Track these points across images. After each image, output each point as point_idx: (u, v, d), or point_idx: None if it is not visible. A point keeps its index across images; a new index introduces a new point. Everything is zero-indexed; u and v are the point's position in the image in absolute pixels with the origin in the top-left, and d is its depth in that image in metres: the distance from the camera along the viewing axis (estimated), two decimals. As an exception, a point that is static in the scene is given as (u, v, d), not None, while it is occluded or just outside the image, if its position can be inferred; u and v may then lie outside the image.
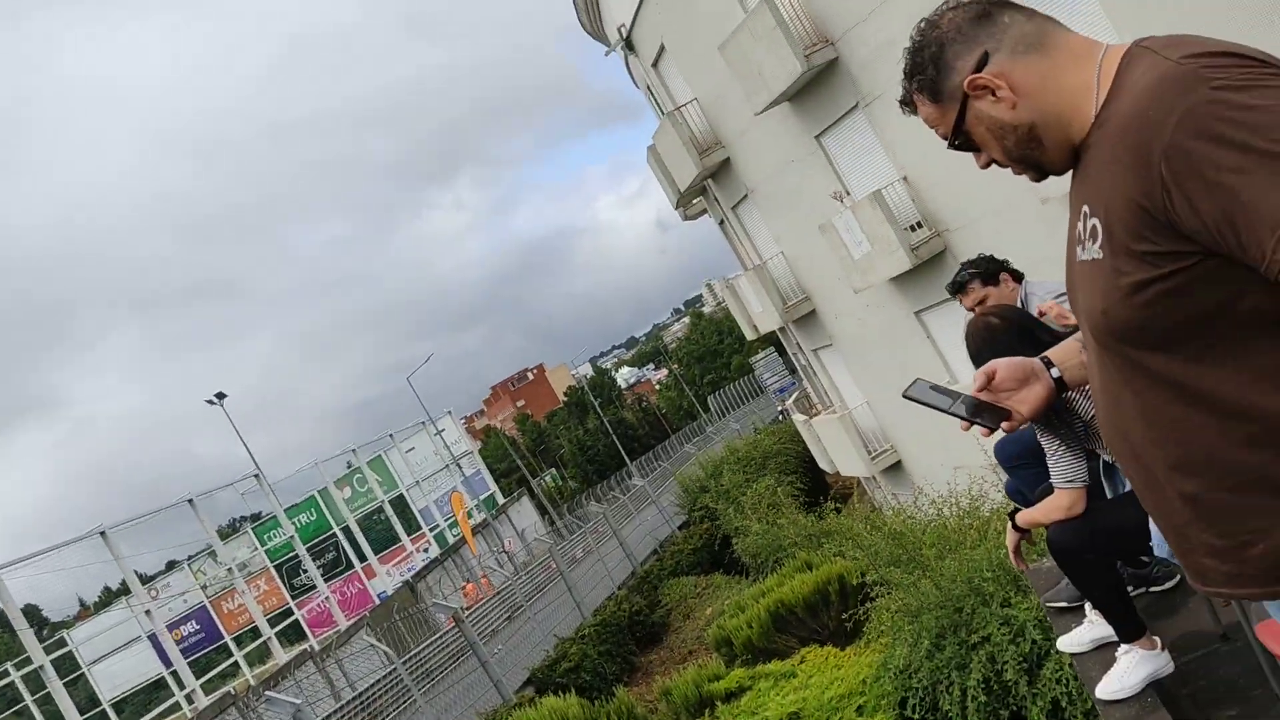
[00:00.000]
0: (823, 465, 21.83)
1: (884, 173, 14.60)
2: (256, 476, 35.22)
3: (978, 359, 3.16)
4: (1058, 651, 5.87)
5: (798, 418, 22.50)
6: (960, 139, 1.62)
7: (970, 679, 6.29)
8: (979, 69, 1.53)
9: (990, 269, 4.36)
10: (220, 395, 39.97)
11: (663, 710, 10.28)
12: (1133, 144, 1.35)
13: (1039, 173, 1.59)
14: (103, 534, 26.41)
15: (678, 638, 15.56)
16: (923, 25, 1.61)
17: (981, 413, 1.88)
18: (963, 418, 1.89)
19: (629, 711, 9.52)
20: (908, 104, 1.67)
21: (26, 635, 24.99)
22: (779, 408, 39.96)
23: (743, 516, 18.22)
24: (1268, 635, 2.24)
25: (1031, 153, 1.56)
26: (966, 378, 14.61)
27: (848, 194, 15.15)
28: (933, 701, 6.82)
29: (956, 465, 13.19)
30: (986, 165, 1.65)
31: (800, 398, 25.56)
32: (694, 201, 22.76)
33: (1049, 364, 1.93)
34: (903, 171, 14.30)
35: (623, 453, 64.53)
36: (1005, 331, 3.11)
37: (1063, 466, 3.00)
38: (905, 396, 1.96)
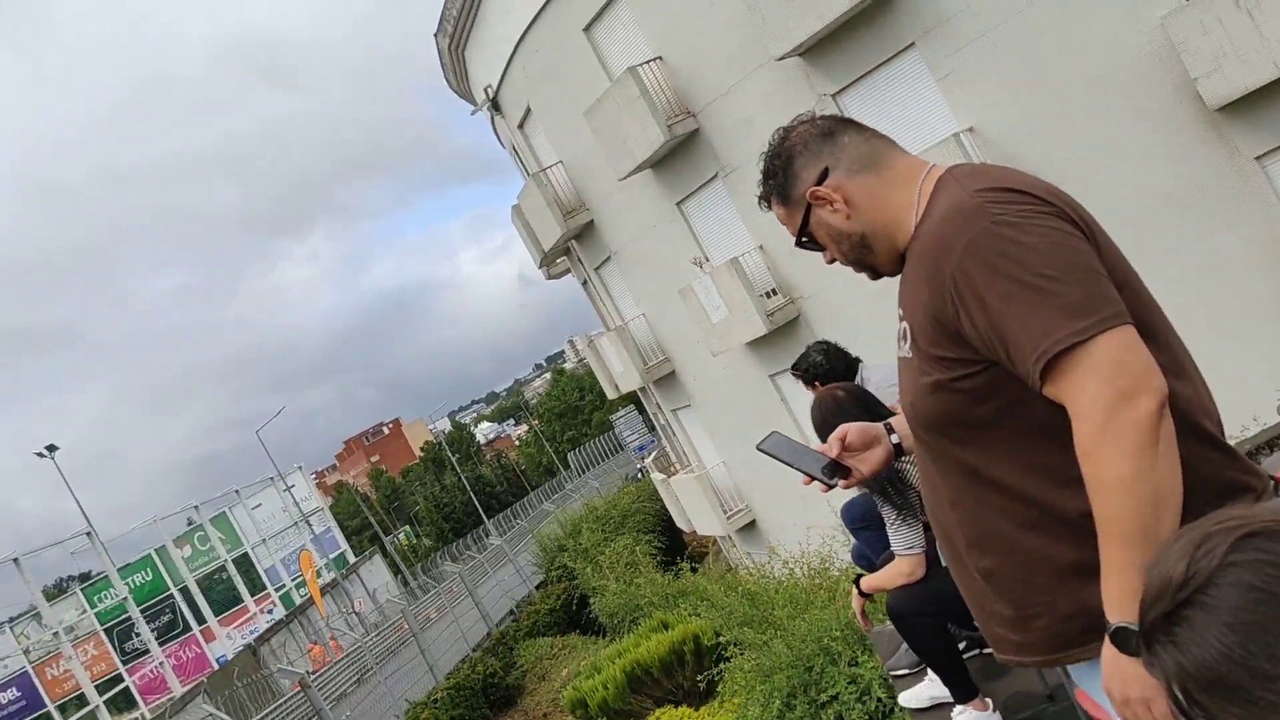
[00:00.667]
0: (680, 524, 22.05)
1: (741, 241, 15.09)
2: (88, 534, 33.23)
3: (823, 429, 3.37)
4: (901, 709, 6.12)
5: (656, 476, 22.72)
6: (806, 239, 1.81)
7: (819, 737, 6.44)
8: (820, 182, 1.74)
9: (809, 376, 4.55)
10: (51, 448, 37.67)
11: (518, 775, 10.13)
12: (930, 263, 1.58)
13: (873, 273, 1.81)
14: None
15: (533, 700, 15.36)
16: (778, 135, 1.82)
17: (827, 469, 2.02)
18: (806, 472, 2.05)
19: (482, 778, 9.35)
20: (764, 201, 1.85)
21: None
22: (638, 465, 40.21)
23: (600, 576, 18.20)
24: (1083, 701, 2.44)
25: (864, 257, 1.79)
26: (817, 438, 15.09)
27: (707, 260, 15.58)
28: (786, 761, 6.94)
29: (809, 525, 13.59)
30: (830, 262, 1.87)
31: (659, 456, 25.82)
32: (558, 261, 22.93)
33: (890, 430, 2.12)
34: (759, 240, 14.83)
35: (480, 510, 63.50)
36: (850, 404, 3.33)
37: (902, 535, 3.21)
38: (759, 449, 2.11)
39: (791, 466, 2.09)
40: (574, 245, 20.19)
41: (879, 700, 6.18)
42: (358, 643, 22.23)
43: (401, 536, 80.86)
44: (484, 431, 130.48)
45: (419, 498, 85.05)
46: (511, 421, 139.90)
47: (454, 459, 73.63)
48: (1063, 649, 1.63)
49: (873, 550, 4.32)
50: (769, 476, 16.19)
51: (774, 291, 14.75)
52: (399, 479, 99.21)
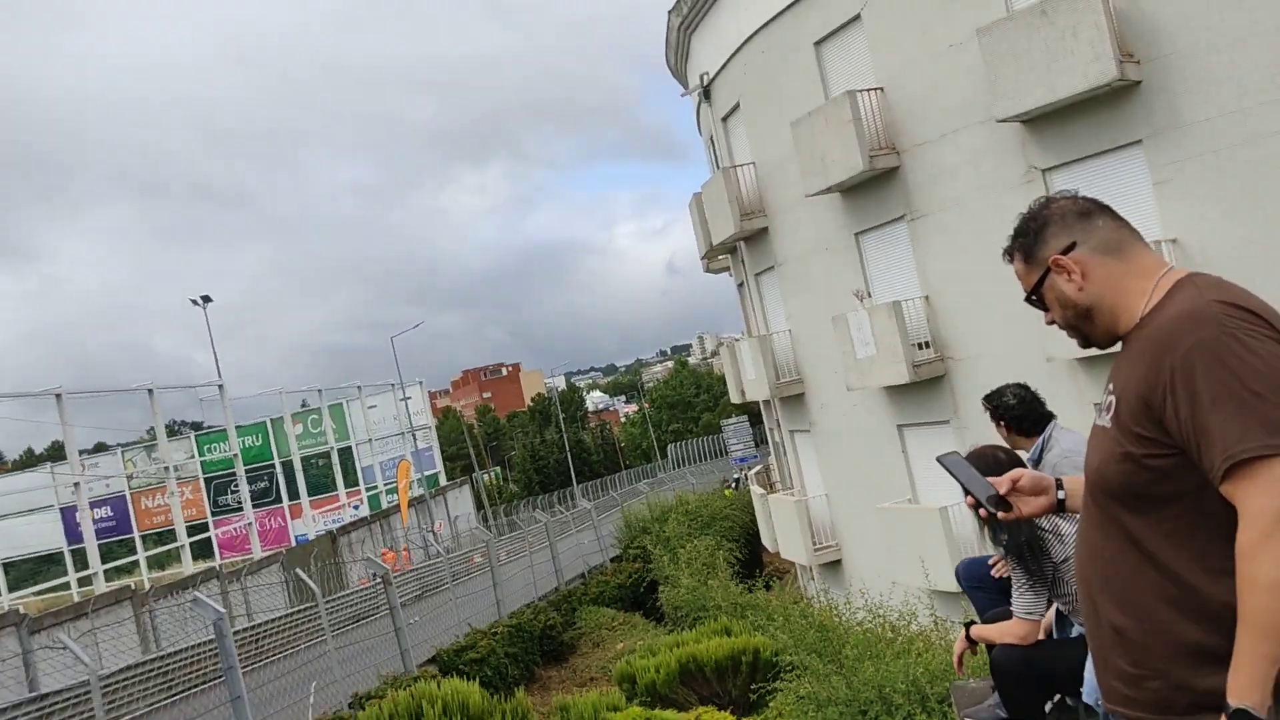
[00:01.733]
0: (765, 542, 22.11)
1: (908, 287, 15.04)
2: (220, 387, 35.13)
3: (969, 480, 3.50)
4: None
5: (756, 490, 22.82)
6: (1035, 297, 2.04)
7: (858, 778, 6.53)
8: (1065, 252, 1.95)
9: (997, 413, 4.53)
10: (206, 298, 39.96)
11: (555, 724, 10.47)
12: (1155, 351, 1.79)
13: (1084, 341, 2.04)
14: (57, 396, 26.33)
15: (583, 662, 15.72)
16: (1041, 200, 2.05)
17: (993, 499, 2.24)
18: (975, 495, 2.26)
19: (525, 714, 9.72)
20: (1008, 254, 2.08)
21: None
22: (735, 475, 40.26)
23: (676, 567, 18.43)
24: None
25: (1081, 326, 2.02)
26: (926, 498, 14.98)
27: (869, 295, 15.58)
28: (816, 791, 7.06)
29: (895, 580, 13.54)
30: (1050, 323, 2.10)
31: (761, 471, 25.89)
32: (720, 257, 23.18)
33: (1060, 485, 2.31)
34: (926, 291, 14.75)
35: (572, 471, 64.56)
36: (1009, 465, 3.47)
37: (1027, 600, 3.36)
38: (939, 459, 2.33)
39: (962, 485, 2.30)
40: (742, 246, 20.39)
41: (924, 760, 6.26)
42: (431, 560, 23.05)
43: (492, 475, 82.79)
44: (594, 400, 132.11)
45: (518, 444, 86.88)
46: (623, 398, 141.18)
47: (560, 416, 74.92)
48: (1166, 713, 1.80)
49: (980, 610, 4.42)
50: (869, 522, 16.14)
51: (927, 344, 14.67)
52: (504, 421, 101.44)
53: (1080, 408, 10.46)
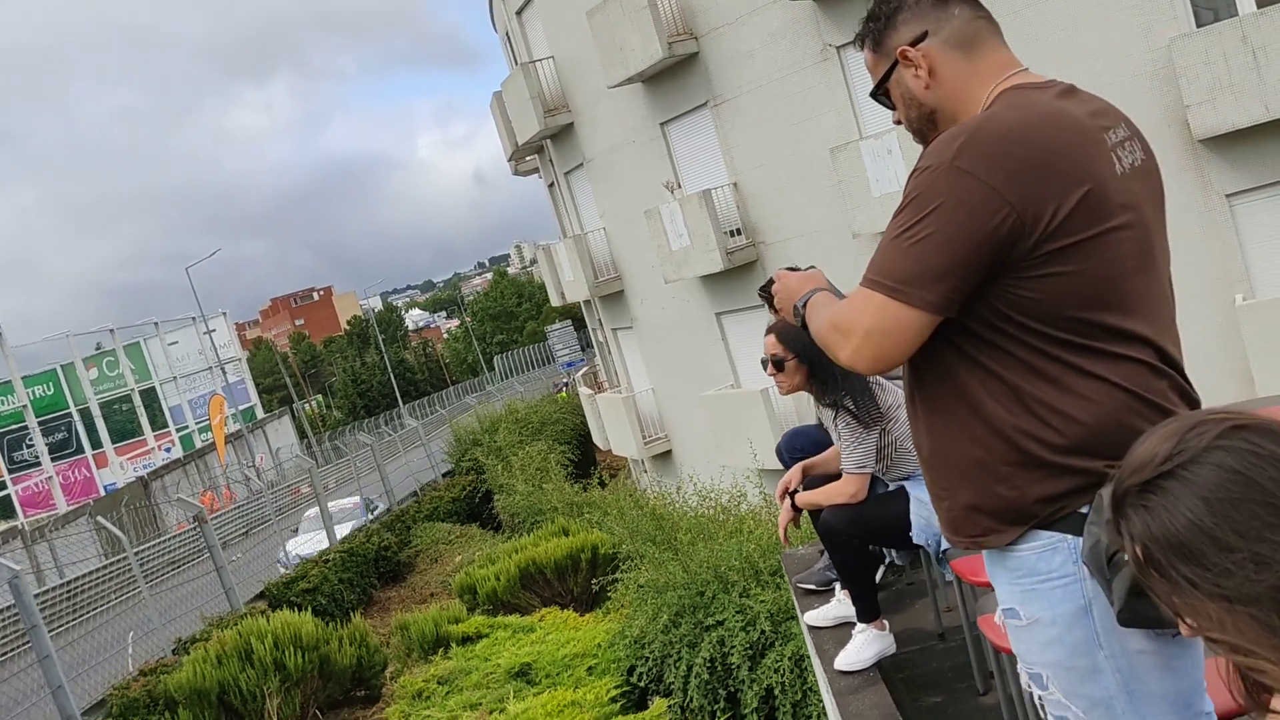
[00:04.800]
0: (598, 441, 22.27)
1: (718, 174, 15.07)
2: (-4, 335, 32.26)
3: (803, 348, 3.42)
4: (782, 643, 6.35)
5: (583, 391, 22.86)
6: (881, 93, 1.86)
7: (698, 656, 6.65)
8: (914, 43, 1.76)
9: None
10: (-31, 240, 36.41)
11: (397, 643, 10.29)
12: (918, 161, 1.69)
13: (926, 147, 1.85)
14: None
15: (421, 579, 15.53)
16: None
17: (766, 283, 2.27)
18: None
19: (363, 638, 9.49)
20: (859, 40, 1.88)
21: None
22: (564, 380, 40.31)
23: (510, 475, 18.35)
24: (988, 627, 2.59)
25: (924, 130, 1.83)
26: (749, 382, 15.32)
27: (679, 186, 15.53)
28: (659, 673, 7.17)
29: (724, 464, 13.85)
30: (897, 123, 1.89)
31: (588, 373, 25.95)
32: (528, 158, 22.64)
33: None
34: (734, 178, 14.82)
35: (397, 392, 63.21)
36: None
37: (858, 454, 3.33)
38: (760, 292, 2.28)
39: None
40: (549, 145, 19.94)
41: (763, 633, 6.41)
42: (254, 496, 22.16)
43: (313, 404, 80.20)
44: (414, 318, 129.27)
45: (337, 370, 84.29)
46: (444, 314, 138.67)
47: (380, 338, 72.94)
48: (960, 535, 1.75)
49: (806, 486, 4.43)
50: (695, 411, 16.41)
51: (738, 231, 14.79)
52: (320, 347, 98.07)
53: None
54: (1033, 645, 1.68)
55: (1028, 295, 1.59)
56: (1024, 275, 1.59)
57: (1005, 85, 1.73)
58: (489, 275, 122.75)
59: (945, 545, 3.24)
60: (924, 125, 1.82)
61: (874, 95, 1.88)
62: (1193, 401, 1.69)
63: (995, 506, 1.66)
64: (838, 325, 1.71)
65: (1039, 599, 1.64)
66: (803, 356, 3.39)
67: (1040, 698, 1.72)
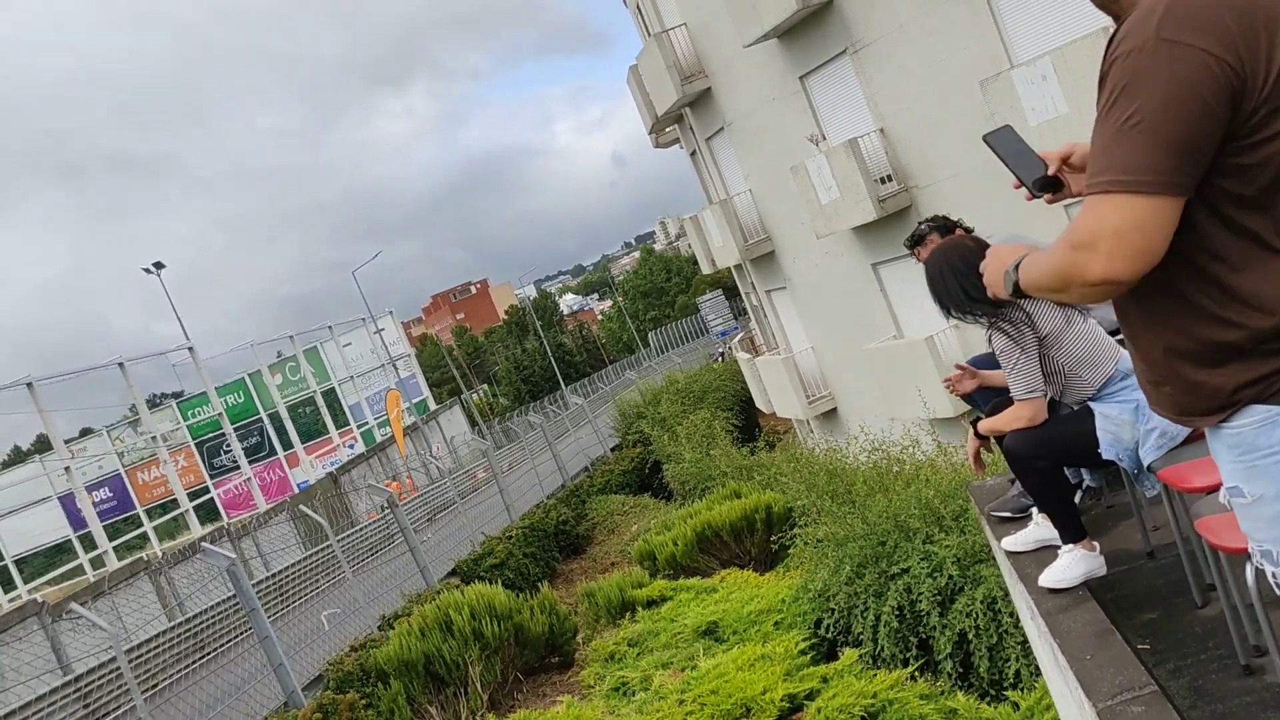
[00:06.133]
0: (760, 405, 22.22)
1: (862, 123, 14.73)
2: (190, 349, 34.65)
3: (960, 278, 3.35)
4: (972, 587, 6.22)
5: (742, 355, 22.83)
6: None
7: (885, 606, 6.58)
8: None
9: (948, 225, 4.46)
10: (158, 265, 39.15)
11: (584, 610, 10.58)
12: (1110, 48, 1.63)
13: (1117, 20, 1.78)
14: (29, 385, 25.89)
15: (600, 550, 15.89)
16: None
17: (1039, 182, 2.03)
18: (1019, 176, 2.04)
19: (552, 607, 9.80)
20: None
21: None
22: (719, 349, 40.34)
23: (677, 444, 18.51)
24: (1206, 529, 2.49)
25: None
26: (912, 331, 14.97)
27: (824, 139, 15.27)
28: (846, 624, 7.12)
29: (893, 416, 13.61)
30: None
31: (745, 338, 25.88)
32: (668, 130, 22.68)
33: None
34: (880, 124, 14.45)
35: (558, 375, 64.64)
36: (979, 253, 3.31)
37: (1022, 378, 3.25)
38: (985, 138, 2.11)
39: (1007, 165, 2.07)
40: (688, 113, 19.91)
41: (950, 578, 6.28)
42: (434, 483, 23.11)
43: (480, 393, 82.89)
44: (568, 303, 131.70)
45: (500, 358, 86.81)
46: (596, 296, 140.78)
47: (538, 324, 74.65)
48: (1185, 414, 1.75)
49: (983, 409, 4.33)
50: (859, 366, 16.16)
51: (889, 178, 14.44)
52: (481, 338, 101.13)
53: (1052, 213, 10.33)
54: (1260, 522, 1.69)
55: (1249, 163, 1.55)
56: (1245, 142, 1.54)
57: None
58: (636, 254, 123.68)
59: (1146, 458, 3.12)
60: None
61: None
62: None
63: (1210, 390, 1.66)
64: (1077, 243, 1.60)
65: (1262, 474, 1.64)
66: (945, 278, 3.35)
67: (1274, 574, 1.72)
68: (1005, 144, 2.08)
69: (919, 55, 13.29)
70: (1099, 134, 1.60)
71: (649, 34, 19.87)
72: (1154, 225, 1.55)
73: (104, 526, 39.52)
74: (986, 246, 3.45)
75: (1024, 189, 2.04)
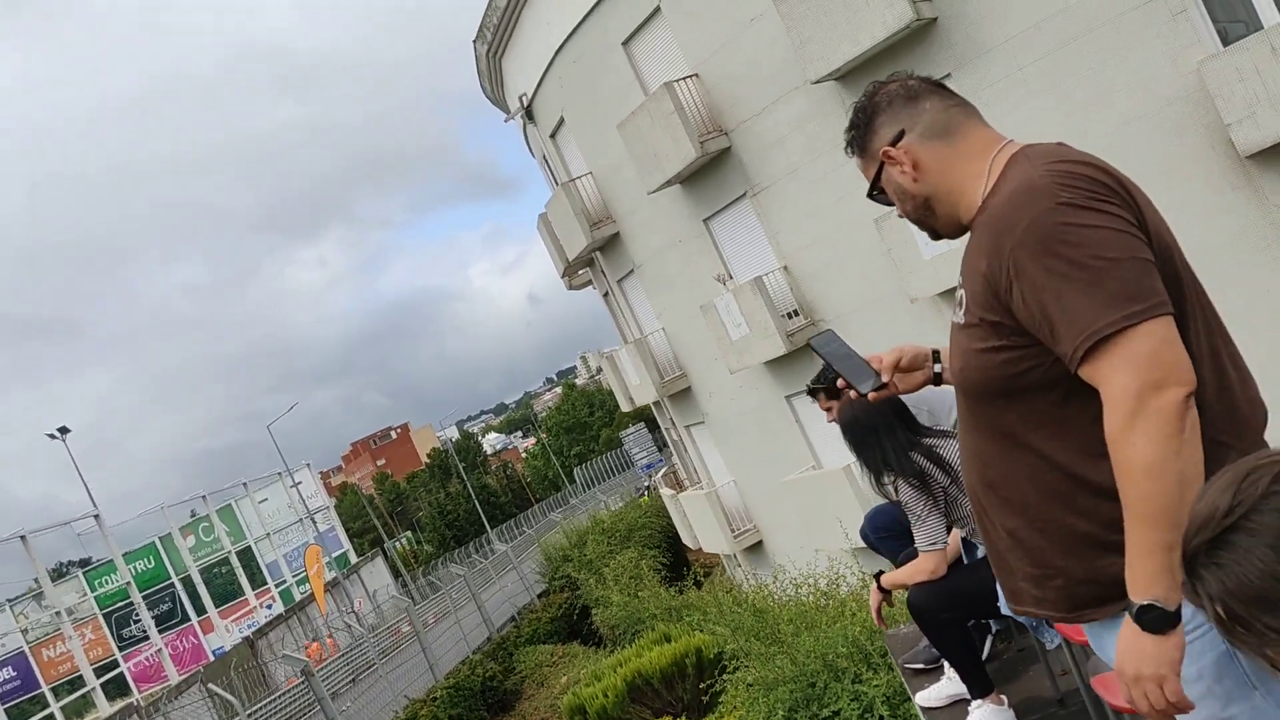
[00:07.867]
0: (686, 540, 22.06)
1: (766, 260, 15.19)
2: (96, 517, 33.34)
3: (865, 436, 3.41)
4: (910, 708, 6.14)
5: (665, 491, 22.76)
6: (876, 192, 1.93)
7: (820, 752, 6.45)
8: (894, 142, 1.84)
9: (832, 384, 4.38)
10: (63, 430, 37.93)
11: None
12: (993, 236, 1.65)
13: (934, 234, 1.92)
14: (-83, 566, 24.48)
15: (530, 705, 15.38)
16: (869, 89, 1.92)
17: (863, 377, 2.07)
18: (847, 379, 2.08)
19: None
20: (848, 148, 1.97)
21: None
22: (645, 483, 40.18)
23: (604, 587, 18.20)
24: (1103, 687, 2.51)
25: (925, 218, 1.89)
26: (829, 461, 15.14)
27: (730, 277, 15.68)
28: (785, 772, 6.95)
29: (816, 548, 13.61)
30: (901, 216, 1.95)
31: (668, 473, 25.86)
32: (580, 272, 23.07)
33: (938, 358, 2.16)
34: (783, 260, 14.92)
35: (483, 518, 63.49)
36: (880, 412, 3.38)
37: (928, 530, 3.29)
38: (810, 343, 2.16)
39: (834, 369, 2.12)
40: (598, 256, 20.32)
41: (881, 718, 6.21)
42: (356, 642, 22.27)
43: (403, 542, 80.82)
44: (491, 442, 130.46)
45: (423, 504, 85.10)
46: (519, 434, 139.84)
47: (460, 467, 73.66)
48: (1075, 609, 1.71)
49: (891, 559, 4.37)
50: (780, 498, 16.22)
51: (796, 313, 14.82)
52: (404, 484, 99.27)
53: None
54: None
55: None
56: None
57: (1010, 150, 1.78)
58: (558, 389, 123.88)
59: None
60: (922, 213, 1.88)
61: (870, 196, 1.95)
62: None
63: (1109, 578, 1.60)
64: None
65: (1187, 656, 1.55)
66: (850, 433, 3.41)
67: None
68: (831, 348, 2.15)
69: (814, 196, 13.86)
70: (1045, 316, 1.57)
71: (557, 183, 20.40)
72: (1172, 339, 1.53)
73: (5, 710, 36.98)
74: (891, 400, 3.51)
75: (842, 380, 2.10)
